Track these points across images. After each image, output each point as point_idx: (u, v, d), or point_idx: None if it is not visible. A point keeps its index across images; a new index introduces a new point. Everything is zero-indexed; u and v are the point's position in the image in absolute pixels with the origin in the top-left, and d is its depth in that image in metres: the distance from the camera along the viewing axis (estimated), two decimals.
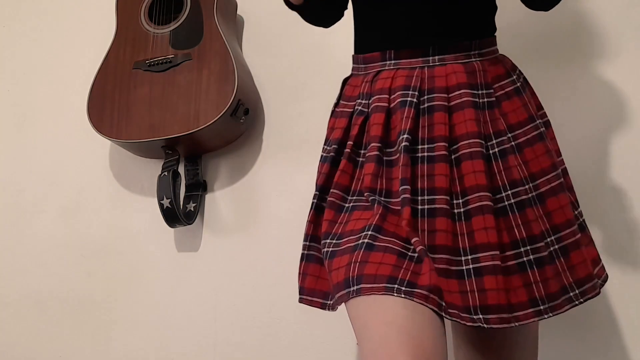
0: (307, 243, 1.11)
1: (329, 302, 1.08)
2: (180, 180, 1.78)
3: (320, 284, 1.09)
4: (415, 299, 0.94)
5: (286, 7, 1.14)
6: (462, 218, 1.02)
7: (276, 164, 1.79)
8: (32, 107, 2.02)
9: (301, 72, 1.81)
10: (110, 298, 1.87)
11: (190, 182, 1.80)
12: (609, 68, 1.56)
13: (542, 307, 1.01)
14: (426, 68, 1.09)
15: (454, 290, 0.99)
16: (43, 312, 1.92)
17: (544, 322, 1.13)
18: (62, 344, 1.89)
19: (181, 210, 1.74)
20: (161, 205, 1.69)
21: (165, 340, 1.81)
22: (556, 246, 1.05)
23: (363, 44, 1.17)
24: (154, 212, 1.77)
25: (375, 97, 1.10)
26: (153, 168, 1.83)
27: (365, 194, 1.05)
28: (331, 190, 1.08)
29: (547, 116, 1.19)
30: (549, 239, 1.04)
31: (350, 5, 1.21)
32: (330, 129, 1.18)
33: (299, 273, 1.11)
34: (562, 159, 1.17)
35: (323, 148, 1.16)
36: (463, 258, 1.01)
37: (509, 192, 1.03)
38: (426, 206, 1.02)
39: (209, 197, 1.83)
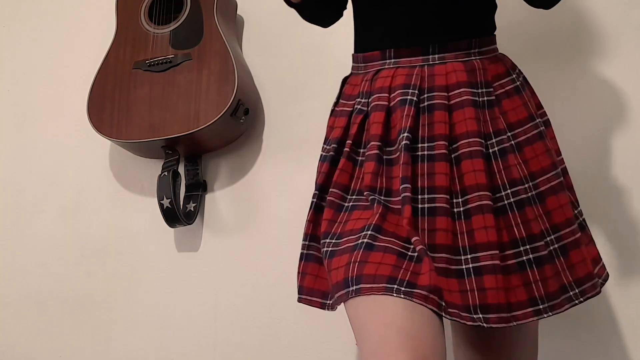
0: (307, 242, 1.11)
1: (328, 302, 1.08)
2: (180, 180, 1.78)
3: (319, 284, 1.09)
4: (414, 300, 0.94)
5: (286, 7, 1.15)
6: (462, 217, 1.02)
7: (276, 164, 1.79)
8: (32, 107, 2.02)
9: (301, 72, 1.81)
10: (110, 298, 1.87)
11: (190, 182, 1.81)
12: (609, 68, 1.56)
13: (541, 307, 1.01)
14: (426, 67, 1.09)
15: (454, 289, 0.99)
16: (43, 312, 1.91)
17: (544, 322, 1.13)
18: (62, 344, 1.89)
19: (181, 210, 1.74)
20: (161, 205, 1.69)
21: (165, 340, 1.81)
22: (556, 245, 1.05)
23: (363, 43, 1.17)
24: (154, 212, 1.77)
25: (375, 96, 1.10)
26: (153, 168, 1.83)
27: (365, 194, 1.05)
28: (330, 190, 1.08)
29: (547, 115, 1.19)
30: (548, 238, 1.04)
31: (350, 4, 1.21)
32: (330, 128, 1.18)
33: (298, 272, 1.11)
34: (562, 158, 1.17)
35: (322, 147, 1.16)
36: (463, 257, 1.00)
37: (509, 191, 1.03)
38: (426, 205, 1.02)
39: (209, 197, 1.83)
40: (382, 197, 1.04)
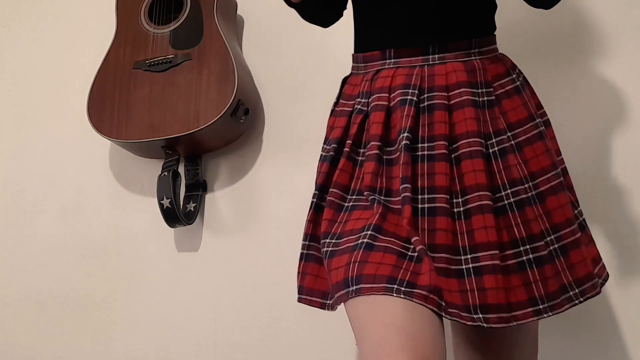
0: (307, 242, 1.11)
1: (328, 302, 1.08)
2: (180, 180, 1.78)
3: (319, 284, 1.09)
4: (414, 300, 0.94)
5: (286, 7, 1.14)
6: (462, 217, 1.02)
7: (276, 164, 1.79)
8: (32, 107, 2.02)
9: (301, 72, 1.81)
10: (110, 298, 1.87)
11: (190, 182, 1.80)
12: (609, 68, 1.56)
13: (541, 307, 1.01)
14: (426, 66, 1.09)
15: (454, 289, 0.99)
16: (43, 312, 1.91)
17: (544, 322, 1.13)
18: (62, 344, 1.89)
19: (181, 210, 1.74)
20: (161, 205, 1.69)
21: (165, 340, 1.81)
22: (555, 245, 1.05)
23: (363, 43, 1.17)
24: (154, 212, 1.77)
25: (375, 96, 1.10)
26: (153, 168, 1.83)
27: (365, 194, 1.05)
28: (330, 190, 1.08)
29: (547, 115, 1.19)
30: (548, 238, 1.04)
31: (350, 5, 1.21)
32: (330, 128, 1.18)
33: (298, 272, 1.11)
34: (562, 158, 1.17)
35: (322, 147, 1.16)
36: (463, 257, 1.00)
37: (509, 191, 1.03)
38: (426, 205, 1.02)
39: (209, 197, 1.83)
40: (382, 197, 1.04)
